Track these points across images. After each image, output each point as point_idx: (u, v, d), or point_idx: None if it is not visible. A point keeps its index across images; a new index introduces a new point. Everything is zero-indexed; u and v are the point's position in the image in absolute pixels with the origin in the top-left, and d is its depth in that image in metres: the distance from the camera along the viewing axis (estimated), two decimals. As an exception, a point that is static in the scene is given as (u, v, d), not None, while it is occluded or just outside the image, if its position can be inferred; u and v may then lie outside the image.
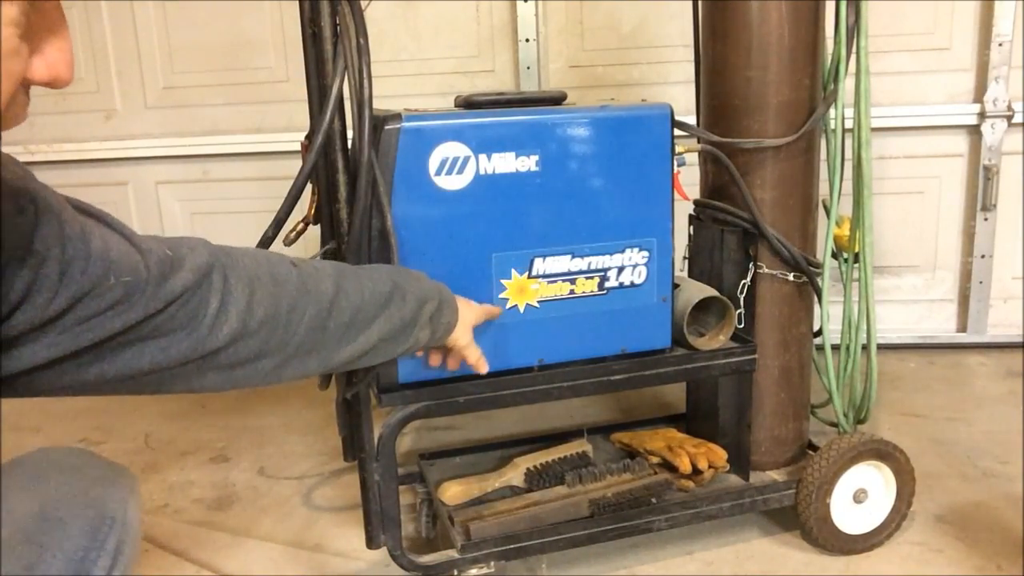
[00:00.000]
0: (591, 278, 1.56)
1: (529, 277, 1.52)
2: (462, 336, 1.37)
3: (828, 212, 1.79)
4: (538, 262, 1.52)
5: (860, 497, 1.76)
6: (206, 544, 1.95)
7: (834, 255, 1.86)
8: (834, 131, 1.78)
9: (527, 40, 2.94)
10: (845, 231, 1.83)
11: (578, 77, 2.99)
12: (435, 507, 1.77)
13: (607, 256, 1.56)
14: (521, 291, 1.53)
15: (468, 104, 1.51)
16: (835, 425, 1.93)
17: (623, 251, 1.57)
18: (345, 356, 1.11)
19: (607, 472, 1.74)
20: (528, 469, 1.77)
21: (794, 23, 1.65)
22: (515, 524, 1.62)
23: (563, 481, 1.72)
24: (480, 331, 1.50)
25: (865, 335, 1.83)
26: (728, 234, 1.73)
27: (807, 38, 1.68)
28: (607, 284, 1.58)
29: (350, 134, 1.39)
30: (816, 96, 1.73)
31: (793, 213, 1.75)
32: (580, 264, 1.55)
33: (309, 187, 1.51)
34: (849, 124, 1.76)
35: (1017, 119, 2.76)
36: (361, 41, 1.32)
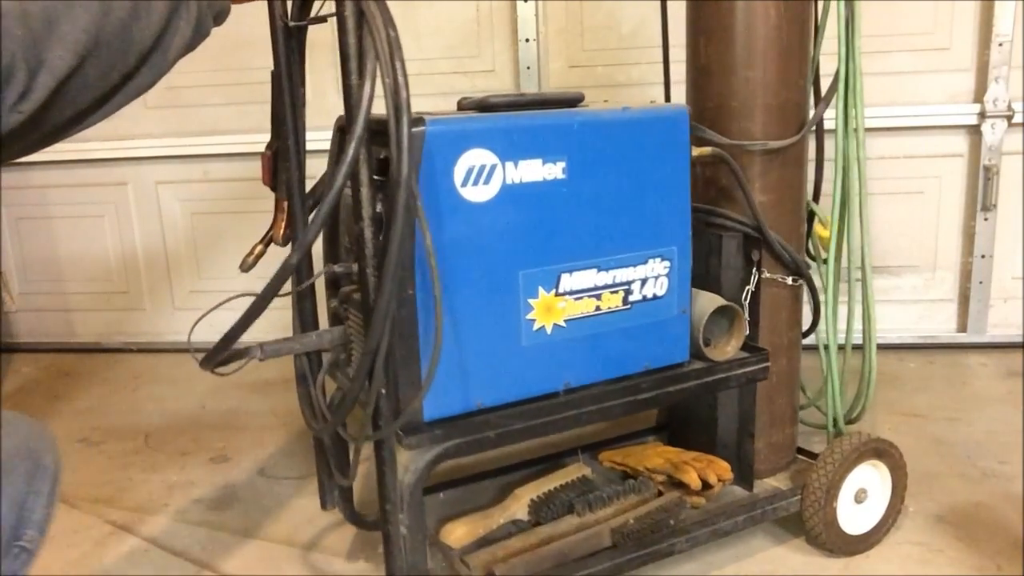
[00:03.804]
0: (616, 292, 1.47)
1: (556, 295, 1.41)
2: None
3: (812, 212, 1.79)
4: (565, 278, 1.42)
5: (860, 497, 1.76)
6: (206, 544, 1.95)
7: (812, 256, 1.85)
8: (834, 131, 1.78)
9: (527, 40, 2.94)
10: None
11: (578, 77, 2.99)
12: (437, 550, 1.61)
13: (631, 268, 1.48)
14: (548, 310, 1.41)
15: (484, 107, 1.38)
16: (815, 428, 1.92)
17: (646, 262, 1.49)
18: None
19: (615, 496, 1.66)
20: (532, 500, 1.67)
21: (790, 22, 1.64)
22: (541, 563, 1.51)
23: (571, 510, 1.63)
24: (507, 357, 1.40)
25: (863, 336, 1.84)
26: (727, 239, 1.68)
27: (801, 38, 1.67)
28: (631, 298, 1.49)
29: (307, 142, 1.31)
30: (807, 97, 1.72)
31: (789, 216, 1.74)
32: (605, 278, 1.45)
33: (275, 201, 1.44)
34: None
35: (1017, 119, 2.76)
36: (392, 33, 1.16)
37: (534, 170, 1.35)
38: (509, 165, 1.33)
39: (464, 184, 1.30)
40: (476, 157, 1.30)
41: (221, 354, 1.20)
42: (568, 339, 1.44)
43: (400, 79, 1.15)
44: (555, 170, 1.36)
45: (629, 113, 1.45)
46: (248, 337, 1.19)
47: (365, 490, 2.09)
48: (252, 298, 1.22)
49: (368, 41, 1.14)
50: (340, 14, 1.16)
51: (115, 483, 2.27)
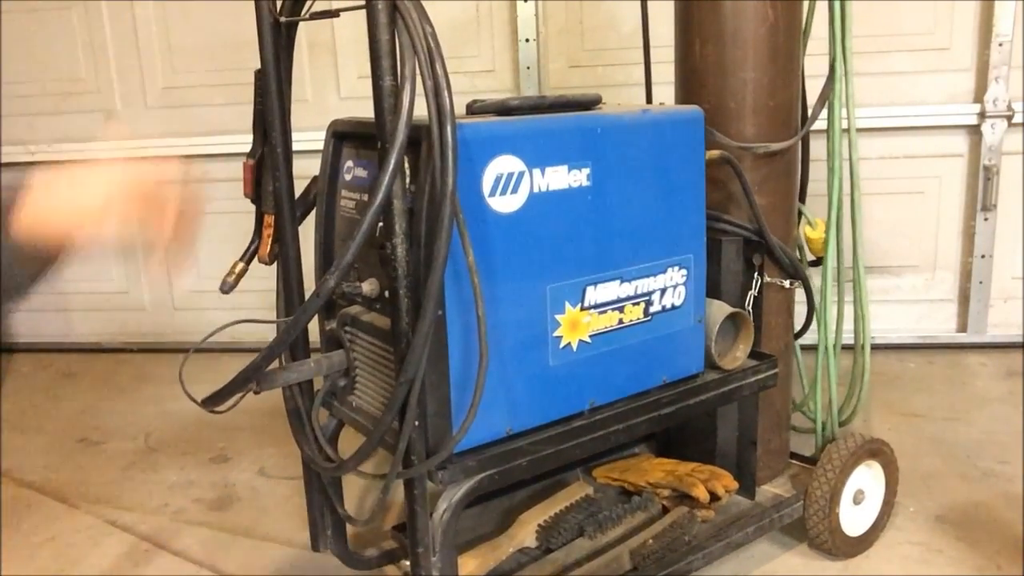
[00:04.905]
0: (637, 304, 1.42)
1: (582, 309, 1.35)
2: None
3: (802, 215, 1.79)
4: (590, 291, 1.35)
5: (859, 498, 1.76)
6: (206, 544, 1.94)
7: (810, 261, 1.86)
8: (833, 131, 1.77)
9: (527, 40, 2.93)
10: (820, 234, 1.82)
11: (578, 77, 2.99)
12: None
13: (651, 278, 1.43)
14: (574, 326, 1.34)
15: (505, 110, 1.30)
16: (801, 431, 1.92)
17: (665, 271, 1.44)
18: None
19: (623, 515, 1.60)
20: (539, 525, 1.59)
21: (786, 22, 1.62)
22: None
23: (582, 533, 1.56)
24: (535, 378, 1.32)
25: (855, 336, 1.84)
26: (727, 244, 1.65)
27: (795, 38, 1.66)
28: (651, 309, 1.44)
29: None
30: (799, 98, 1.71)
31: (783, 218, 1.73)
32: (628, 289, 1.40)
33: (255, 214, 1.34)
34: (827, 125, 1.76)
35: (1017, 119, 2.76)
36: (429, 29, 1.07)
37: (560, 177, 1.29)
38: (536, 172, 1.26)
39: (492, 194, 1.22)
40: (504, 164, 1.22)
41: (228, 397, 1.13)
42: (592, 355, 1.38)
43: (442, 79, 1.06)
44: (580, 177, 1.31)
45: (649, 115, 1.41)
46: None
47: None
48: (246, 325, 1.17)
49: (404, 39, 1.05)
50: (372, 9, 1.05)
51: (115, 483, 2.27)
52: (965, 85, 2.81)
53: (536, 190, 1.26)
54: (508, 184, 1.23)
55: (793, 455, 1.89)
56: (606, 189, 1.34)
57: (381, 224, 1.14)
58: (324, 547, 1.50)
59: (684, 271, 1.47)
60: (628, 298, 1.41)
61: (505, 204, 1.24)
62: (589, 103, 1.40)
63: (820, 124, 1.77)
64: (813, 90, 1.79)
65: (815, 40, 1.81)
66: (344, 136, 1.39)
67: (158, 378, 3.08)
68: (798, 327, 1.89)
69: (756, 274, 1.68)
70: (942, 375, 2.77)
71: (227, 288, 1.30)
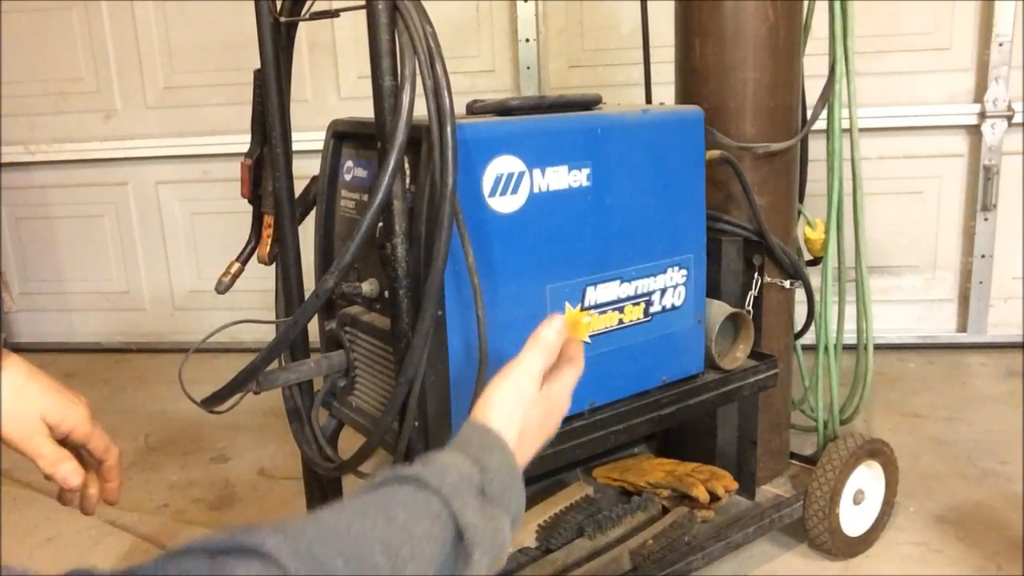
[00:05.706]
0: (637, 304, 1.42)
1: (582, 309, 1.34)
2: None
3: (801, 214, 1.79)
4: (590, 291, 1.35)
5: (859, 499, 1.76)
6: (206, 544, 1.94)
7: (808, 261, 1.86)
8: (833, 131, 1.77)
9: (527, 40, 2.93)
10: (820, 234, 1.81)
11: (578, 77, 2.99)
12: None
13: (651, 278, 1.42)
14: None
15: (505, 110, 1.30)
16: (801, 430, 1.91)
17: (665, 271, 1.44)
18: None
19: (623, 516, 1.59)
20: (539, 525, 1.59)
21: (786, 22, 1.62)
22: None
23: (581, 533, 1.56)
24: None
25: (858, 336, 1.84)
26: (727, 244, 1.65)
27: (795, 38, 1.66)
28: (651, 309, 1.44)
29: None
30: (799, 98, 1.71)
31: (783, 218, 1.73)
32: (628, 290, 1.40)
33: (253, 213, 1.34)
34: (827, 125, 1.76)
35: (1017, 119, 2.76)
36: (430, 29, 1.08)
37: (560, 178, 1.28)
38: (536, 173, 1.26)
39: (492, 194, 1.22)
40: (504, 164, 1.22)
41: (228, 397, 1.14)
42: (592, 356, 1.32)
43: (442, 79, 1.07)
44: (580, 177, 1.30)
45: (649, 115, 1.41)
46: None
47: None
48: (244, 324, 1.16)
49: (404, 39, 1.05)
50: (372, 9, 1.06)
51: (115, 483, 2.27)
52: (965, 85, 2.81)
53: (536, 190, 1.26)
54: (508, 184, 1.23)
55: (793, 455, 1.89)
56: (606, 189, 1.34)
57: (381, 224, 1.14)
58: None
59: (684, 271, 1.47)
60: (628, 298, 1.41)
61: (505, 204, 1.24)
62: (589, 103, 1.40)
63: (821, 124, 1.77)
64: (813, 90, 1.79)
65: (815, 40, 1.80)
66: (344, 136, 1.39)
67: (158, 378, 3.09)
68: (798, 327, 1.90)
69: (756, 274, 1.68)
70: (942, 375, 2.77)
71: (222, 288, 1.30)
